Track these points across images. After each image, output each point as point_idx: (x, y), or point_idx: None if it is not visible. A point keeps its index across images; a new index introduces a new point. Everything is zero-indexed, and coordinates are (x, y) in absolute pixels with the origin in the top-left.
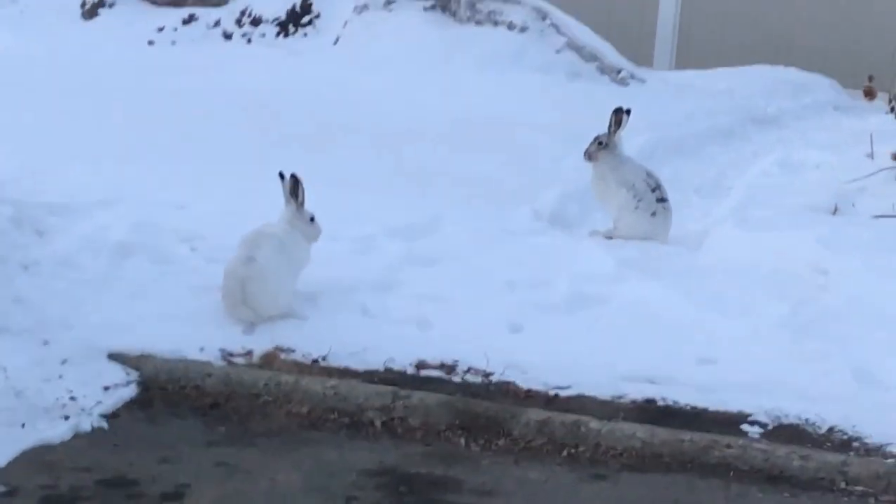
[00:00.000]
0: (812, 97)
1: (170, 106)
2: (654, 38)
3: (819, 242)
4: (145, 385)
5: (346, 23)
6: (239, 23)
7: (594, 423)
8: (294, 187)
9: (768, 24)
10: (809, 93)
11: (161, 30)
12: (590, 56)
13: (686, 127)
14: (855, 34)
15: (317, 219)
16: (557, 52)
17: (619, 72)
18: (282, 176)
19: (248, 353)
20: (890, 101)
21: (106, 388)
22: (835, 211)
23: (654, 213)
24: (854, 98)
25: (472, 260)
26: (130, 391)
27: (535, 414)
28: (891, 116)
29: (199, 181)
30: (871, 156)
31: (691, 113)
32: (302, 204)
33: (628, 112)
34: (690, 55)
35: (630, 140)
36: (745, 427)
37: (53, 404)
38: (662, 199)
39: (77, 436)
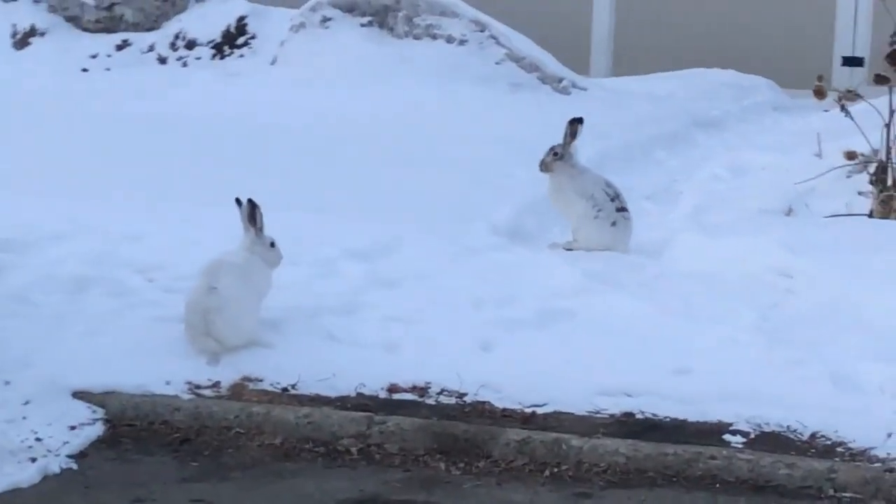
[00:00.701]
0: (751, 99)
1: (113, 134)
2: (591, 45)
3: (782, 246)
4: (112, 423)
5: (282, 42)
6: (173, 46)
7: (575, 441)
8: (252, 213)
9: (703, 27)
10: (749, 94)
11: (94, 56)
12: (530, 66)
13: (632, 134)
14: (790, 34)
15: (277, 244)
16: (497, 63)
17: (560, 81)
18: (238, 202)
19: (216, 385)
20: (840, 100)
21: (72, 428)
22: (789, 212)
23: (614, 223)
24: (793, 98)
25: (435, 279)
26: (97, 429)
27: (515, 434)
28: (829, 114)
29: (150, 210)
30: (819, 155)
31: (635, 119)
32: (261, 229)
33: (581, 121)
34: (627, 61)
35: (579, 151)
36: (727, 437)
37: (19, 446)
38: (622, 209)
39: (46, 478)
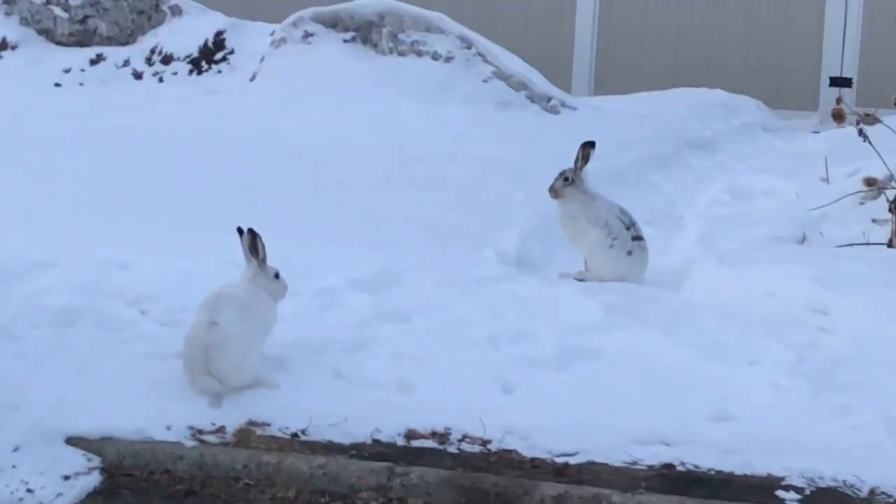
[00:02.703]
0: (740, 119)
1: (91, 153)
2: (572, 63)
3: (812, 279)
4: (109, 472)
5: (262, 58)
6: (149, 61)
7: (617, 497)
8: (253, 243)
9: (687, 45)
10: (737, 115)
11: (68, 71)
12: (518, 84)
13: (624, 155)
14: (777, 54)
15: (282, 275)
16: (485, 81)
17: (549, 100)
18: (240, 231)
19: (220, 430)
20: (858, 123)
21: (66, 478)
22: (802, 240)
23: (630, 252)
24: (781, 118)
25: (445, 313)
26: (93, 480)
27: (550, 488)
28: (823, 136)
29: (138, 236)
30: (827, 180)
31: (627, 140)
32: (264, 260)
33: (594, 145)
34: (609, 80)
35: (590, 176)
36: (780, 493)
37: (9, 499)
38: (638, 237)
39: None
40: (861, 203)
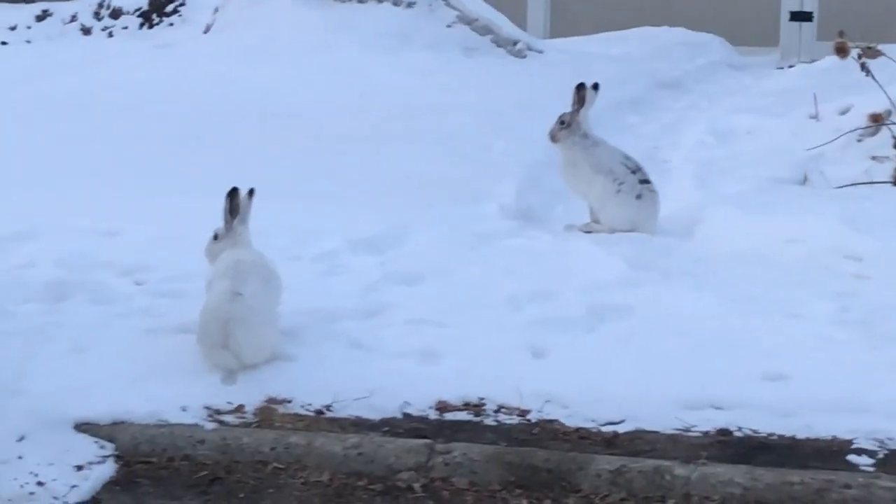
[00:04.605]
0: (706, 57)
1: (54, 115)
2: (526, 5)
3: (838, 222)
4: (125, 460)
5: (216, 9)
6: (97, 16)
7: (680, 469)
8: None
9: None
10: (703, 53)
11: (13, 28)
12: (483, 29)
13: (598, 98)
14: None
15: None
16: (449, 26)
17: (515, 43)
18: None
19: (239, 409)
20: (860, 57)
21: (78, 468)
22: (804, 181)
23: (639, 196)
24: (742, 55)
25: (457, 273)
26: (108, 469)
27: (606, 462)
28: (795, 72)
29: (122, 201)
30: (816, 117)
31: (598, 82)
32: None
33: (596, 87)
34: (565, 21)
35: (591, 120)
36: (851, 458)
37: (18, 493)
38: (645, 181)
39: None
40: (859, 140)
